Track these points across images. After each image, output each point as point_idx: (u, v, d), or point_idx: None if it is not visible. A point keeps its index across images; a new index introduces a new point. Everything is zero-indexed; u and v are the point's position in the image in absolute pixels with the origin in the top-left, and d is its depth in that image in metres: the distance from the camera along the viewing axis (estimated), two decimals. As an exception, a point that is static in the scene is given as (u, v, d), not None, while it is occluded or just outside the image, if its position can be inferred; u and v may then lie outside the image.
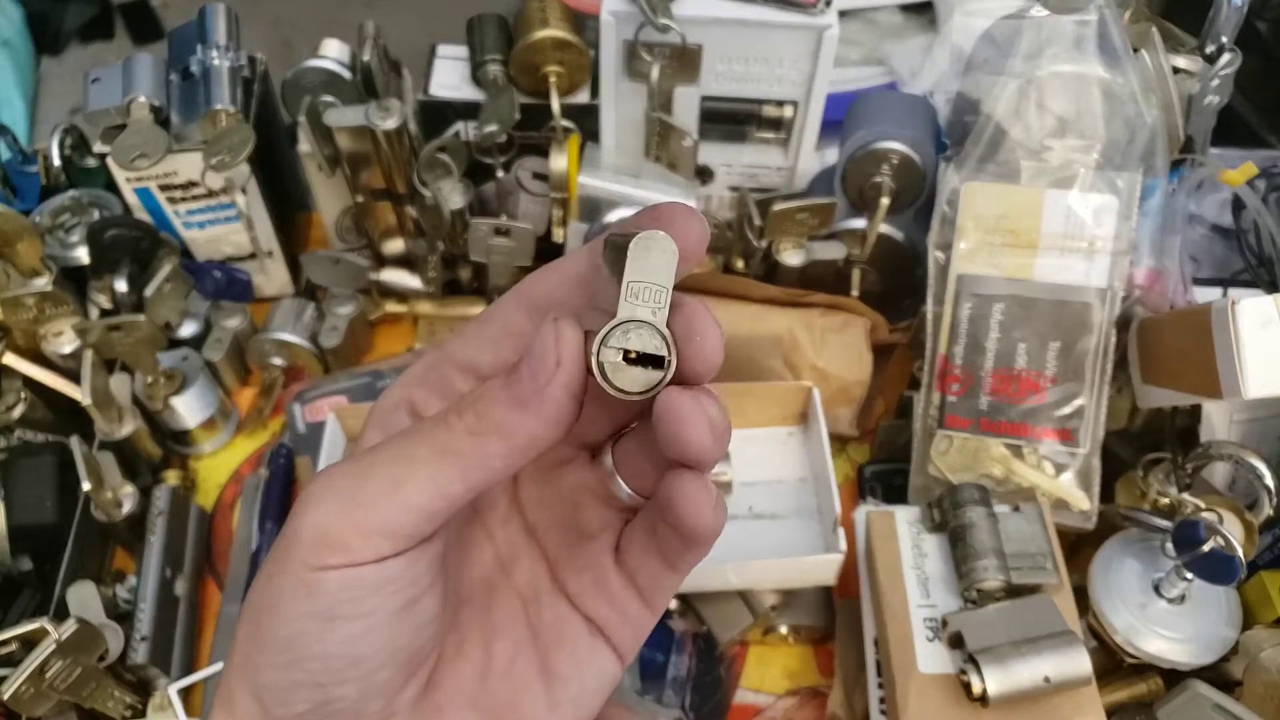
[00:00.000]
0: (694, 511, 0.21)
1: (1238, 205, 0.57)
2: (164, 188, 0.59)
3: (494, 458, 0.21)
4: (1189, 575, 0.45)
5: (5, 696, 0.43)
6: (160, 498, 0.55)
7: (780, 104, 0.56)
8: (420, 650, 0.23)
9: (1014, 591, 0.45)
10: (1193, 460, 0.49)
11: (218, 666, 0.52)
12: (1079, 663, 0.41)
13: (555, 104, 0.57)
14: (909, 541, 0.47)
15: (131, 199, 0.59)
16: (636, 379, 0.20)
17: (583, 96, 0.59)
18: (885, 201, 0.55)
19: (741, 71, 0.54)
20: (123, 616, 0.51)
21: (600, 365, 0.20)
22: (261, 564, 0.23)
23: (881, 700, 0.47)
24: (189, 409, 0.59)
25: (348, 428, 0.54)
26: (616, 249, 0.21)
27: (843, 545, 0.47)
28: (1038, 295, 0.51)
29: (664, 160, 0.57)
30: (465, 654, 0.24)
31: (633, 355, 0.20)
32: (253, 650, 0.22)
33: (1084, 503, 0.49)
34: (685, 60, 0.52)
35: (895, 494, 0.56)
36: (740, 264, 0.60)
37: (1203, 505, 0.46)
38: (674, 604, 0.52)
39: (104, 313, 0.58)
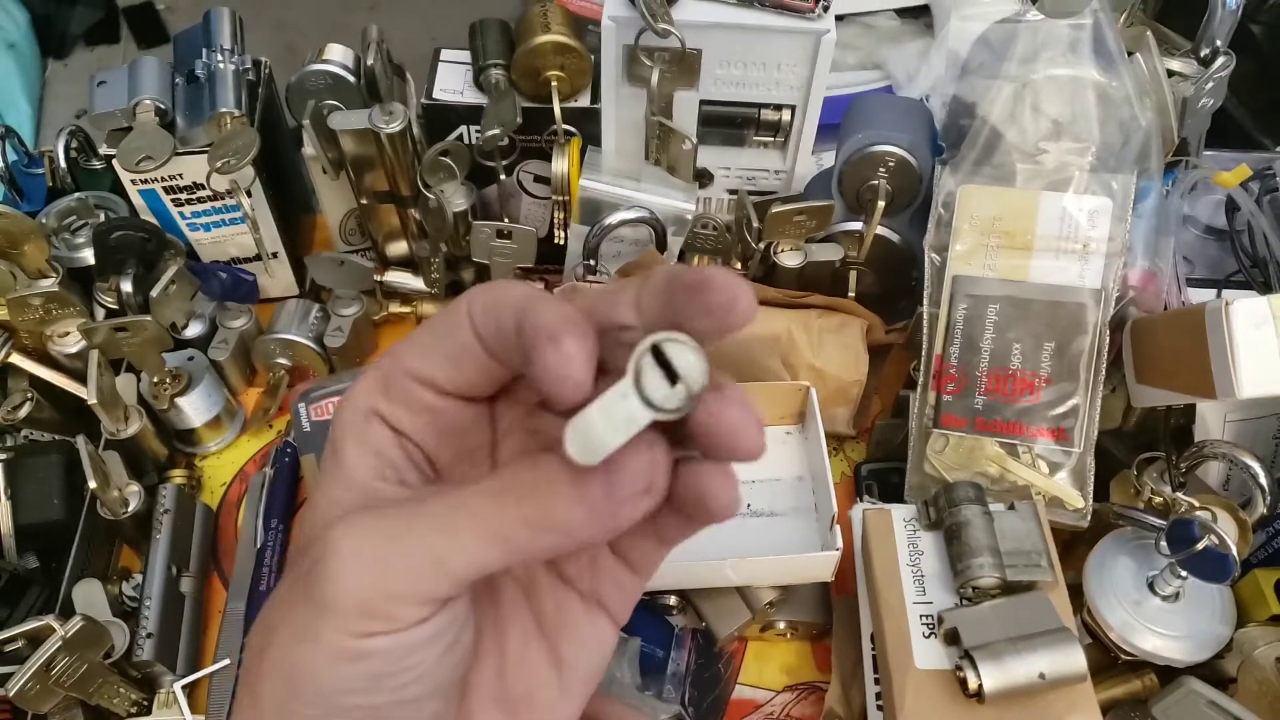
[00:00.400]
0: (726, 503, 0.21)
1: (1231, 207, 0.58)
2: (169, 190, 0.59)
3: (544, 549, 0.21)
4: (1183, 573, 0.46)
5: (11, 693, 0.44)
6: (166, 496, 0.55)
7: (778, 108, 0.57)
8: (461, 675, 0.23)
9: (1009, 589, 0.45)
10: (1187, 459, 0.50)
11: (223, 663, 0.53)
12: (1074, 659, 0.41)
13: (556, 108, 0.58)
14: (905, 539, 0.48)
15: (137, 201, 0.60)
16: (660, 392, 0.20)
17: (584, 101, 0.60)
18: (882, 204, 0.56)
19: (740, 76, 0.54)
20: (128, 614, 0.52)
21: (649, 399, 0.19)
22: (277, 619, 0.22)
23: (878, 696, 0.48)
24: (194, 408, 0.60)
25: (351, 427, 0.54)
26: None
27: (839, 543, 0.48)
28: (1032, 296, 0.51)
29: (664, 163, 0.58)
30: (482, 653, 0.25)
31: (666, 372, 0.20)
32: (287, 702, 0.21)
33: (1078, 501, 0.50)
34: (684, 65, 0.53)
35: (892, 492, 0.57)
36: (739, 266, 0.61)
37: (1197, 504, 0.47)
38: (673, 600, 0.52)
39: (110, 313, 0.58)
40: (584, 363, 0.20)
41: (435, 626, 0.21)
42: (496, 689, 0.24)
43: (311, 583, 0.21)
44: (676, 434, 0.21)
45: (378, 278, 0.65)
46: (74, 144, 0.63)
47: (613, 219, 0.56)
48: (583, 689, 0.25)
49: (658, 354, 0.19)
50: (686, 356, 0.19)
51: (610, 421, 0.19)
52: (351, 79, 0.57)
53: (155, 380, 0.58)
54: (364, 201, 0.60)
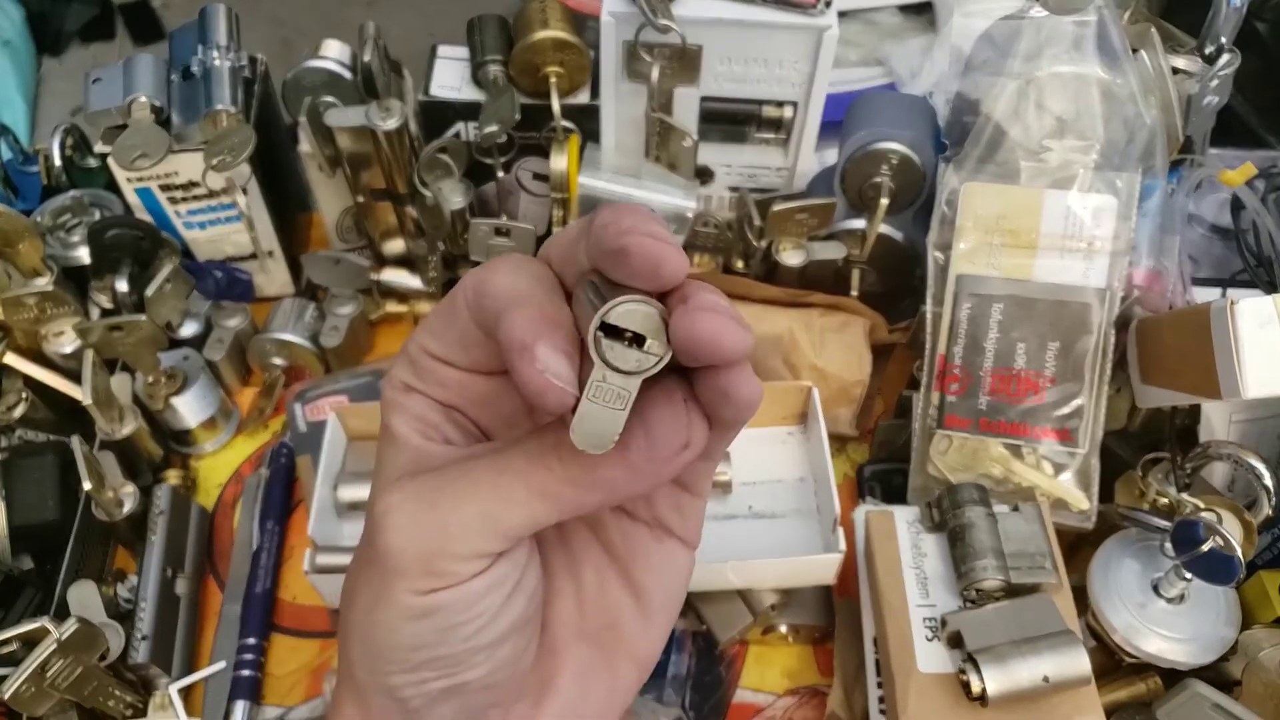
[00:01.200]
0: (750, 393, 0.20)
1: (1237, 205, 0.57)
2: (165, 188, 0.59)
3: (590, 504, 0.22)
4: (1188, 575, 0.45)
5: (6, 695, 0.44)
6: (161, 497, 0.55)
7: (780, 104, 0.56)
8: (534, 614, 0.24)
9: (1013, 591, 0.45)
10: (1192, 460, 0.49)
11: (219, 665, 0.52)
12: (1078, 662, 0.41)
13: (555, 104, 0.57)
14: (908, 541, 0.48)
15: (132, 199, 0.60)
16: (629, 357, 0.20)
17: (583, 97, 0.60)
18: (885, 202, 0.56)
19: (741, 72, 0.54)
20: (123, 616, 0.52)
21: (601, 352, 0.20)
22: (353, 589, 0.23)
23: (881, 699, 0.47)
24: (190, 409, 0.59)
25: (348, 427, 0.54)
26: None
27: (842, 545, 0.47)
28: (1037, 295, 0.51)
29: (664, 161, 0.57)
30: (558, 590, 0.25)
31: (629, 335, 0.20)
32: (375, 664, 0.23)
33: (1083, 502, 0.49)
34: (685, 61, 0.53)
35: (894, 494, 0.57)
36: (740, 264, 0.61)
37: (1202, 505, 0.46)
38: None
39: (105, 312, 0.58)
40: (560, 367, 0.19)
41: (492, 577, 0.22)
42: (578, 623, 0.25)
43: (374, 548, 0.22)
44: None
45: (374, 276, 0.65)
46: (69, 142, 0.63)
47: (612, 217, 0.56)
48: (664, 616, 0.26)
49: (611, 328, 0.19)
50: (636, 314, 0.19)
51: (604, 407, 0.19)
52: (348, 75, 0.57)
53: (150, 380, 0.58)
54: (361, 199, 0.60)
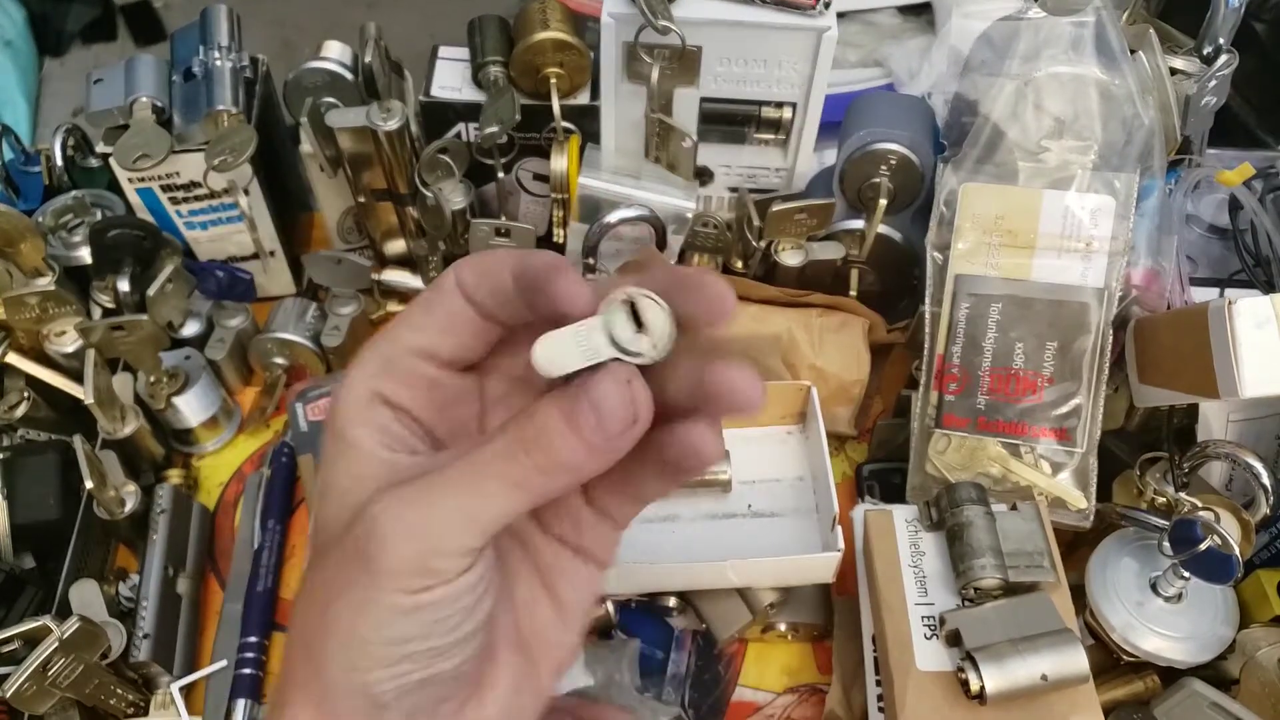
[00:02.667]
0: (715, 453, 0.24)
1: (1234, 206, 0.57)
2: (166, 188, 0.59)
3: (558, 488, 0.24)
4: (1186, 574, 0.46)
5: (8, 694, 0.44)
6: (163, 496, 0.55)
7: (779, 105, 0.56)
8: (494, 610, 0.26)
9: (1011, 590, 0.45)
10: (1190, 459, 0.50)
11: (220, 664, 0.52)
12: (1076, 661, 0.41)
13: (556, 105, 0.57)
14: (907, 540, 0.48)
15: (134, 199, 0.60)
16: (626, 331, 0.22)
17: (583, 98, 0.60)
18: (883, 202, 0.56)
19: (740, 73, 0.54)
20: (125, 614, 0.52)
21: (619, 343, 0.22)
22: (330, 597, 0.24)
23: (880, 698, 0.47)
24: (191, 408, 0.59)
25: (349, 427, 0.54)
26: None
27: (840, 543, 0.47)
28: (1035, 295, 0.51)
29: (664, 161, 0.58)
30: (498, 602, 0.27)
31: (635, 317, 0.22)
32: (356, 661, 0.24)
33: (1081, 501, 0.49)
34: (685, 62, 0.53)
35: (893, 493, 0.57)
36: (739, 264, 0.61)
37: (1199, 504, 0.47)
38: (673, 601, 0.52)
39: (106, 312, 0.58)
40: (582, 288, 0.23)
41: (478, 572, 0.24)
42: (514, 634, 0.27)
43: (366, 555, 0.23)
44: (666, 398, 0.24)
45: (375, 276, 0.65)
46: (71, 142, 0.63)
47: (612, 217, 0.56)
48: (579, 622, 0.29)
49: (632, 306, 0.22)
50: (656, 313, 0.22)
51: (577, 344, 0.22)
52: (349, 76, 0.57)
53: (152, 379, 0.58)
54: (362, 199, 0.60)
